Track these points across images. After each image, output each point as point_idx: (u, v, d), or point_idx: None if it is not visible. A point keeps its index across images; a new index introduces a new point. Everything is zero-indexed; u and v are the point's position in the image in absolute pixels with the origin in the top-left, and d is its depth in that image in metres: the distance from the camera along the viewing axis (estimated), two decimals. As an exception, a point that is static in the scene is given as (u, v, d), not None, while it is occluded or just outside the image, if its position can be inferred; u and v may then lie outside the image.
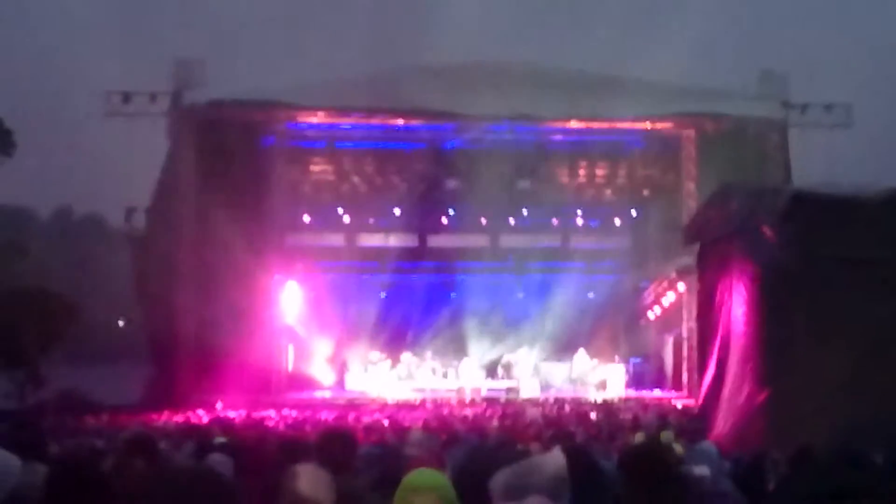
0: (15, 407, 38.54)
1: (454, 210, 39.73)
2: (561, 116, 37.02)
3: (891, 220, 17.34)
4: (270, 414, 30.24)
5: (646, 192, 40.16)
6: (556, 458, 4.60)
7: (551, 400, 33.39)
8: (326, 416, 29.20)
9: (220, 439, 16.33)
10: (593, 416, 26.52)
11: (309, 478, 4.70)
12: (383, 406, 32.02)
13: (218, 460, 7.77)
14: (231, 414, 30.24)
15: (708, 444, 10.98)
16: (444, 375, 37.95)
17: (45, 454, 8.92)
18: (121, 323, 52.28)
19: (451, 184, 39.34)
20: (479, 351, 38.71)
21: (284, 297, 37.64)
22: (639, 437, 17.49)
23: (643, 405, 31.09)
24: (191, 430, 20.99)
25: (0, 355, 40.14)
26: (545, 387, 36.76)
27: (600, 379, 37.57)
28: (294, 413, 30.45)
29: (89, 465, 6.40)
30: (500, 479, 4.69)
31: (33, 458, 7.18)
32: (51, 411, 35.38)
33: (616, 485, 7.50)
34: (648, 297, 38.64)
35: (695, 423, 21.72)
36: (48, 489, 5.36)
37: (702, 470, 8.78)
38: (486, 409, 30.69)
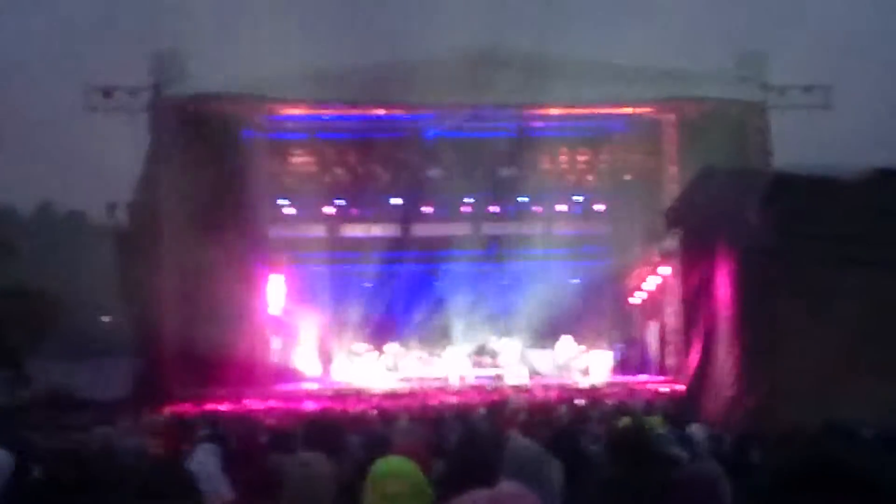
0: (2, 404, 38.59)
1: (437, 199, 39.76)
2: (541, 103, 37.05)
3: (872, 199, 17.43)
4: (258, 405, 30.33)
5: (628, 177, 40.22)
6: (526, 445, 4.66)
7: (537, 387, 33.48)
8: (313, 406, 29.30)
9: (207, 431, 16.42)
10: (579, 401, 26.58)
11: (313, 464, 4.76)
12: (370, 396, 32.04)
13: (207, 450, 7.80)
14: (220, 407, 30.29)
15: (696, 427, 11.07)
16: (430, 364, 38.04)
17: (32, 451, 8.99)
18: (105, 319, 52.15)
19: (434, 173, 39.39)
20: (465, 339, 38.69)
21: (269, 289, 37.63)
22: (624, 422, 17.59)
23: (629, 390, 31.17)
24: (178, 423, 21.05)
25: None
26: (531, 373, 36.87)
27: (585, 365, 37.70)
28: (280, 404, 30.58)
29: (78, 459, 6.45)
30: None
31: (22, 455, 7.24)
32: (39, 408, 35.44)
33: (603, 467, 7.59)
34: (632, 281, 38.70)
35: (681, 407, 21.81)
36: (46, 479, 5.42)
37: (686, 452, 8.86)
38: (472, 397, 30.80)
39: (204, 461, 7.43)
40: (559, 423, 17.17)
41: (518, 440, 4.79)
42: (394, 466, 4.92)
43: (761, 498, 1.50)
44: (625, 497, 5.97)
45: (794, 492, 1.46)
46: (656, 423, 16.58)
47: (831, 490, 1.45)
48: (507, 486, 2.86)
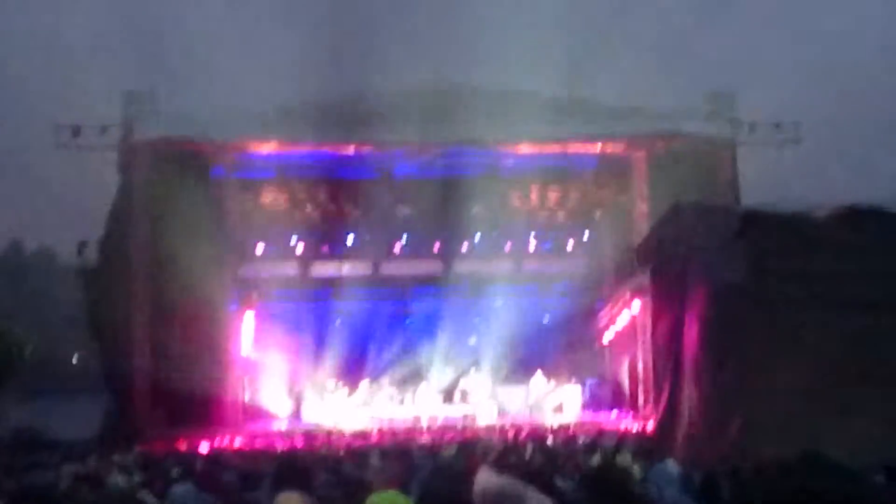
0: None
1: (407, 237, 39.83)
2: (511, 140, 37.15)
3: (840, 236, 17.52)
4: (228, 445, 30.28)
5: (598, 214, 40.40)
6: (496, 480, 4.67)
7: (508, 426, 33.46)
8: (283, 446, 29.27)
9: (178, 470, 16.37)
10: (551, 440, 26.61)
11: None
12: (340, 436, 31.95)
13: (181, 492, 7.79)
14: (191, 446, 30.22)
15: (669, 463, 11.07)
16: (402, 402, 37.98)
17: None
18: (75, 359, 52.01)
19: (403, 211, 39.46)
20: (436, 377, 38.73)
21: (241, 327, 37.62)
22: (596, 460, 17.62)
23: (600, 428, 31.19)
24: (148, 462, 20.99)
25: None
26: (502, 412, 36.86)
27: (557, 402, 37.73)
28: (251, 444, 30.54)
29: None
30: None
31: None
32: (4, 449, 35.24)
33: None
34: (604, 318, 38.78)
35: (653, 443, 21.85)
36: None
37: (658, 490, 8.87)
38: (443, 436, 30.79)
39: (184, 498, 7.46)
40: (529, 460, 17.22)
41: (488, 474, 4.78)
42: (389, 499, 4.98)
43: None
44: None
45: None
46: (628, 460, 16.65)
47: None
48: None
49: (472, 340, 39.37)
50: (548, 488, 7.43)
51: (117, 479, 12.89)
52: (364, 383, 38.68)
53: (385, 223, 39.82)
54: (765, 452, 13.32)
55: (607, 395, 38.75)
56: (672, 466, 10.64)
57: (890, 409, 16.05)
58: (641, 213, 36.13)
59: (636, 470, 14.21)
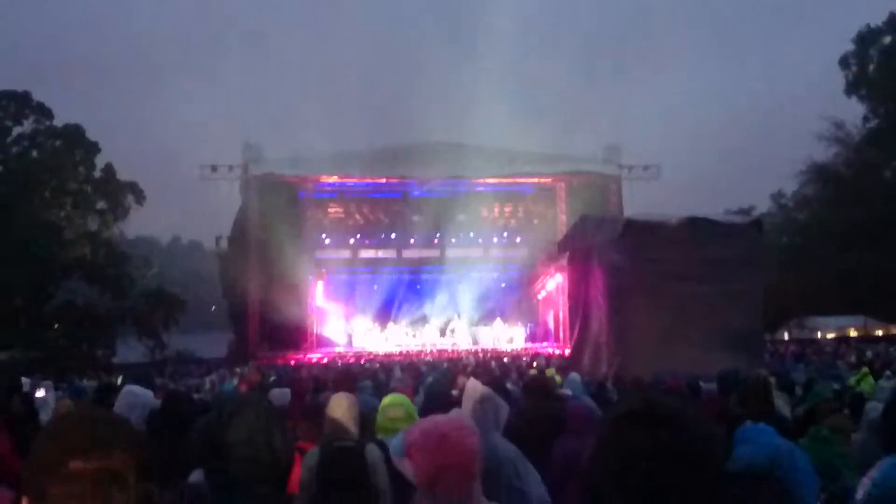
0: (147, 361, 38.52)
1: (418, 235, 39.83)
2: (482, 175, 37.23)
3: (684, 235, 17.54)
4: (307, 360, 30.32)
5: (536, 221, 40.33)
6: (477, 387, 4.68)
7: (479, 351, 33.50)
8: (340, 361, 29.31)
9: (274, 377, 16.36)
10: (506, 360, 26.57)
11: (342, 402, 4.77)
12: (376, 355, 31.97)
13: (278, 393, 7.77)
14: (283, 361, 30.30)
15: (575, 375, 11.08)
16: (414, 336, 38.15)
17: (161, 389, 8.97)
18: (213, 308, 52.05)
19: (416, 218, 39.50)
20: (435, 320, 38.83)
21: (315, 290, 37.65)
22: (533, 372, 17.62)
23: (535, 353, 31.20)
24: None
25: (136, 330, 40.07)
26: (476, 342, 36.96)
27: (510, 336, 37.81)
28: (321, 360, 30.58)
29: (186, 395, 6.45)
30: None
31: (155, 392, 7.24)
32: (171, 364, 35.36)
33: (519, 401, 7.61)
34: (538, 285, 38.73)
35: (567, 363, 21.84)
36: (163, 409, 5.42)
37: (568, 391, 8.87)
38: (439, 356, 30.84)
39: (279, 396, 7.43)
40: (493, 372, 17.23)
41: (474, 383, 4.81)
42: (394, 400, 4.98)
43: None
44: (533, 421, 5.98)
45: (627, 422, 1.48)
46: (552, 372, 16.64)
47: (649, 422, 1.47)
48: (454, 414, 2.87)
49: (457, 298, 39.27)
50: (502, 390, 7.47)
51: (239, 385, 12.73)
52: (391, 324, 38.83)
53: (404, 225, 39.85)
54: (636, 369, 13.36)
55: (540, 333, 38.71)
56: (576, 377, 10.63)
57: (712, 342, 16.08)
58: (561, 221, 36.31)
59: (557, 379, 14.23)
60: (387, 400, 5.06)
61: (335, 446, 4.50)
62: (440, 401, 5.24)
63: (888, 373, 14.61)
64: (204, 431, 3.41)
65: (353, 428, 4.67)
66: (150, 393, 5.58)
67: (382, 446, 4.32)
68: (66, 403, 5.54)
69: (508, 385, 10.27)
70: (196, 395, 10.43)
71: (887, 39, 43.88)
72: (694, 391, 8.15)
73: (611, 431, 1.51)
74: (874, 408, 6.30)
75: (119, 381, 14.50)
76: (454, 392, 8.50)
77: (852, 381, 12.83)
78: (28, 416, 7.90)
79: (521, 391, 8.49)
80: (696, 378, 9.54)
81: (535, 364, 22.27)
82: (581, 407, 6.12)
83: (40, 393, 8.71)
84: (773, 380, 9.04)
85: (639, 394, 1.61)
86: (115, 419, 1.67)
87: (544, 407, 6.40)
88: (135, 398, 5.34)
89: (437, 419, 2.51)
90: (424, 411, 5.08)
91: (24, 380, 11.69)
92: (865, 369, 14.49)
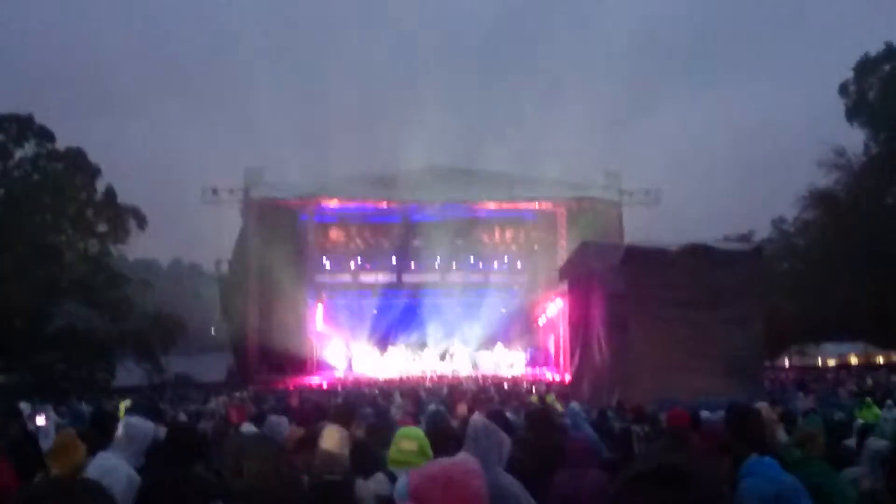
0: (146, 384, 38.49)
1: (418, 259, 39.88)
2: (483, 200, 37.35)
3: (684, 262, 17.58)
4: (306, 385, 30.25)
5: (536, 247, 40.38)
6: (481, 419, 4.69)
7: (479, 376, 33.46)
8: (340, 386, 29.26)
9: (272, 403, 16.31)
10: (506, 385, 26.55)
11: (333, 434, 4.78)
12: (375, 381, 31.92)
13: (276, 422, 7.76)
14: (282, 387, 30.23)
15: (575, 405, 11.08)
16: (414, 360, 38.06)
17: (164, 418, 8.98)
18: (212, 331, 52.01)
19: (417, 243, 39.57)
20: (434, 344, 38.79)
21: (315, 313, 37.66)
22: (534, 398, 17.61)
23: (536, 379, 31.18)
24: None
25: (135, 353, 40.01)
26: (476, 367, 36.91)
27: (511, 362, 37.75)
28: (321, 384, 30.52)
29: (192, 427, 6.45)
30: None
31: (158, 420, 7.25)
32: (170, 388, 35.30)
33: (520, 430, 7.61)
34: (538, 311, 38.70)
35: (568, 390, 21.85)
36: (167, 441, 5.43)
37: (570, 421, 8.89)
38: (439, 382, 30.79)
39: (276, 425, 7.42)
40: (492, 399, 17.22)
41: (480, 417, 4.82)
42: (408, 433, 4.99)
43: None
44: (534, 452, 5.99)
45: (637, 482, 1.52)
46: (552, 399, 16.64)
47: (657, 483, 1.51)
48: (459, 457, 2.86)
49: (457, 323, 39.25)
50: (503, 421, 7.48)
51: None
52: (391, 348, 38.77)
53: (405, 250, 39.88)
54: (637, 397, 13.37)
55: (541, 357, 38.65)
56: (577, 408, 10.64)
57: (713, 369, 16.11)
58: (562, 247, 36.27)
59: (557, 406, 14.21)
60: (400, 433, 5.07)
61: (324, 479, 4.51)
62: (442, 435, 5.24)
63: (889, 402, 14.59)
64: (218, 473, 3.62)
65: (343, 461, 4.68)
66: (150, 424, 5.60)
67: (393, 478, 4.35)
68: (69, 433, 5.53)
69: (509, 414, 10.29)
70: (200, 425, 10.38)
71: (886, 68, 44.10)
72: (695, 423, 8.14)
73: (624, 491, 1.56)
74: (876, 443, 6.31)
75: (123, 407, 14.51)
76: (454, 421, 8.54)
77: (857, 414, 12.77)
78: (28, 444, 7.89)
79: (522, 420, 8.51)
80: (698, 407, 9.55)
81: (534, 391, 22.27)
82: (581, 440, 6.14)
83: (40, 420, 8.69)
84: (775, 412, 9.06)
85: (652, 454, 1.67)
86: (92, 488, 1.67)
87: (545, 438, 6.41)
88: (134, 430, 5.37)
89: (442, 462, 2.53)
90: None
91: (23, 406, 11.68)
92: (868, 399, 14.47)
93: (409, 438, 4.89)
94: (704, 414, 9.08)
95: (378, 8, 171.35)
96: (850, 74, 44.91)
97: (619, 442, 8.81)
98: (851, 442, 8.20)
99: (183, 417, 10.95)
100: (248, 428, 8.12)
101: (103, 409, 13.83)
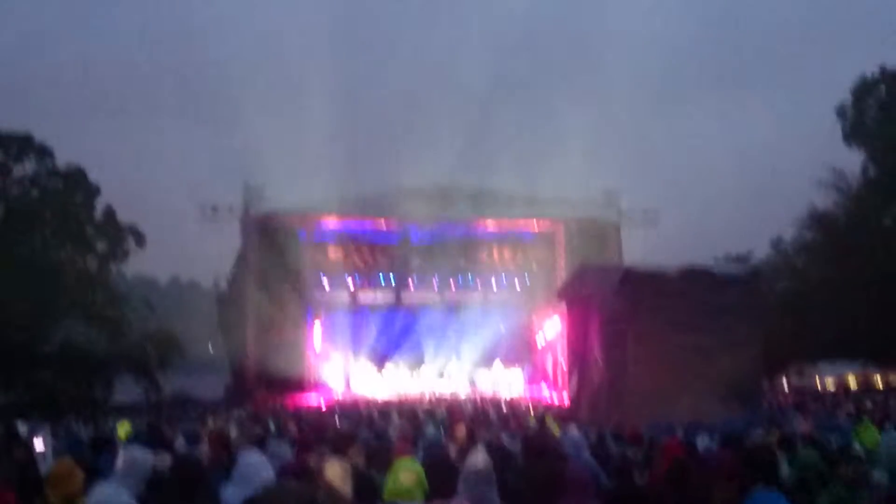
0: (143, 402, 38.39)
1: (417, 278, 39.89)
2: (482, 219, 37.43)
3: (684, 285, 17.62)
4: (305, 404, 30.20)
5: (534, 266, 40.40)
6: (480, 459, 4.71)
7: (477, 396, 33.43)
8: (338, 406, 29.19)
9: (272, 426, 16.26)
10: (503, 406, 26.52)
11: (335, 469, 4.78)
12: (373, 401, 31.87)
13: (277, 447, 7.76)
14: (280, 406, 30.18)
15: (574, 433, 11.06)
16: (411, 379, 38.02)
17: (170, 446, 8.96)
18: (210, 349, 51.93)
19: (415, 262, 39.60)
20: (432, 364, 38.79)
21: (313, 331, 37.64)
22: (532, 421, 17.56)
23: (534, 399, 31.16)
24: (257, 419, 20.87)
25: (133, 371, 39.93)
26: (473, 386, 36.89)
27: (508, 381, 37.71)
28: (319, 404, 30.47)
29: (196, 460, 6.45)
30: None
31: (161, 448, 7.25)
32: (166, 406, 35.22)
33: (517, 459, 7.60)
34: (537, 329, 38.66)
35: (566, 412, 21.82)
36: (172, 473, 5.43)
37: (570, 449, 8.86)
38: (437, 402, 30.73)
39: (279, 451, 7.42)
40: (490, 421, 17.16)
41: (480, 453, 4.83)
42: (406, 465, 5.02)
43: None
44: (532, 481, 5.98)
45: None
46: (550, 420, 16.61)
47: None
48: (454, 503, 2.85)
49: (456, 341, 39.23)
50: (502, 453, 7.47)
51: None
52: (388, 367, 38.73)
53: (404, 269, 39.89)
54: (634, 420, 13.36)
55: (539, 376, 38.61)
56: (576, 435, 10.63)
57: (711, 391, 16.11)
58: (561, 266, 36.33)
59: (556, 429, 14.17)
60: (398, 465, 5.09)
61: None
62: (438, 468, 5.26)
63: (888, 425, 14.59)
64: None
65: (346, 497, 4.69)
66: (150, 456, 5.61)
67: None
68: (67, 462, 5.55)
69: (506, 439, 10.28)
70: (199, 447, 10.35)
71: (882, 90, 44.24)
72: (692, 451, 8.14)
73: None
74: (880, 477, 6.31)
75: (122, 429, 14.48)
76: (453, 446, 8.52)
77: (855, 435, 12.75)
78: (30, 468, 7.90)
79: (521, 448, 8.48)
80: (695, 431, 9.56)
81: (533, 410, 22.24)
82: (581, 470, 6.11)
83: (38, 445, 8.69)
84: (773, 436, 9.06)
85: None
86: None
87: (544, 467, 6.38)
88: (135, 461, 5.40)
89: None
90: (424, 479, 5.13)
91: (21, 428, 11.65)
92: (867, 420, 14.47)
93: (408, 471, 4.93)
94: (704, 441, 9.10)
95: (377, 28, 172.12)
96: (847, 97, 45.05)
97: (618, 469, 8.79)
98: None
99: (181, 440, 10.86)
100: (249, 453, 8.08)
101: (102, 435, 13.81)
